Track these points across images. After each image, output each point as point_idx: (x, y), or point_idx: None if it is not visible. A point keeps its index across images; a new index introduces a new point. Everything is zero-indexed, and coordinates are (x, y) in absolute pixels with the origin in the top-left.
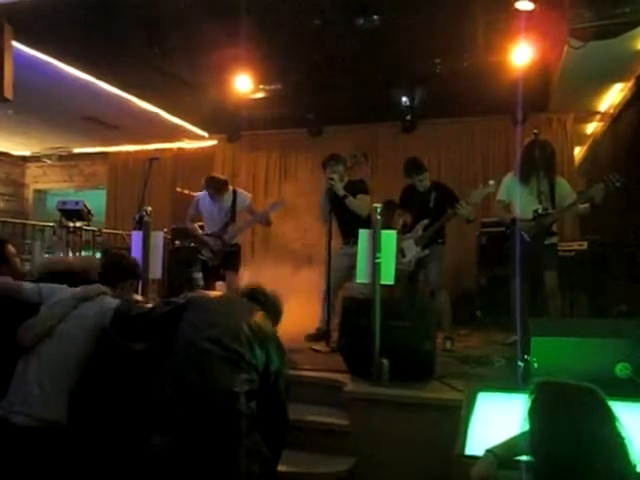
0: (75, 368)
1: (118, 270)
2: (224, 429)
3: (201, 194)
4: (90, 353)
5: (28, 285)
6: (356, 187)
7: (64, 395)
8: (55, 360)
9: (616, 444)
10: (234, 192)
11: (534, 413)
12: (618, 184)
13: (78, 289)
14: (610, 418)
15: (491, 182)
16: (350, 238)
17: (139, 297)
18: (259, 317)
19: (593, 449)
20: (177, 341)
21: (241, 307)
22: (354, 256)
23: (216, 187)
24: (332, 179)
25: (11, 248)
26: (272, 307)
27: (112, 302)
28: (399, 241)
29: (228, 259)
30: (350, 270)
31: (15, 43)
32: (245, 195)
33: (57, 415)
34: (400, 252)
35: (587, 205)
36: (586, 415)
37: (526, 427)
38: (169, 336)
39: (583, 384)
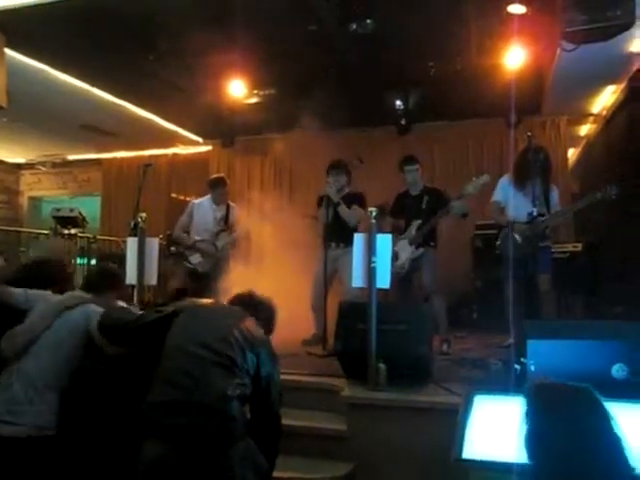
0: (62, 375)
1: (102, 280)
2: (217, 434)
3: (197, 201)
4: (76, 359)
5: (17, 290)
6: (353, 199)
7: (52, 403)
8: (42, 368)
9: (614, 445)
10: (228, 205)
11: (530, 416)
12: (614, 196)
13: (62, 297)
14: (607, 419)
15: (485, 176)
16: (332, 241)
17: (123, 304)
18: (249, 323)
19: (592, 450)
20: (168, 347)
21: (231, 313)
22: (336, 260)
23: (219, 183)
24: (328, 183)
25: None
26: (264, 313)
27: (96, 309)
28: (393, 244)
29: (218, 265)
30: (334, 273)
31: (8, 51)
32: (236, 208)
33: (46, 422)
34: (393, 254)
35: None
36: (583, 416)
37: (523, 430)
38: (158, 342)
39: (579, 385)
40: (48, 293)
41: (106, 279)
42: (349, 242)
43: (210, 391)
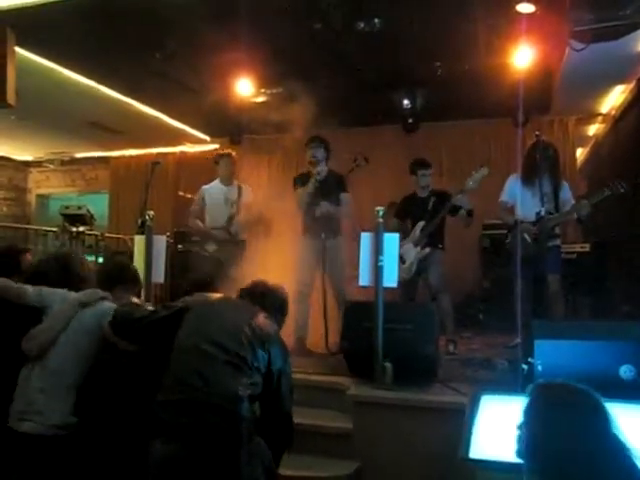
0: (80, 374)
1: (115, 274)
2: (227, 434)
3: (207, 186)
4: (92, 358)
5: (30, 288)
6: (338, 182)
7: (70, 402)
8: (60, 368)
9: (618, 447)
10: (239, 186)
11: (530, 415)
12: (622, 190)
13: (78, 295)
14: (608, 421)
15: (484, 168)
16: (323, 232)
17: (137, 300)
18: (261, 318)
19: (594, 452)
20: (179, 345)
21: (242, 309)
22: (321, 251)
23: (225, 155)
24: (317, 174)
25: (28, 257)
26: (274, 302)
27: (111, 306)
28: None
29: (235, 252)
30: (320, 265)
31: (18, 49)
32: (250, 190)
33: (63, 422)
34: (399, 258)
35: (574, 216)
36: (584, 417)
37: (523, 429)
38: (169, 339)
39: (579, 386)
40: (63, 291)
41: (118, 272)
42: (337, 233)
43: (221, 391)
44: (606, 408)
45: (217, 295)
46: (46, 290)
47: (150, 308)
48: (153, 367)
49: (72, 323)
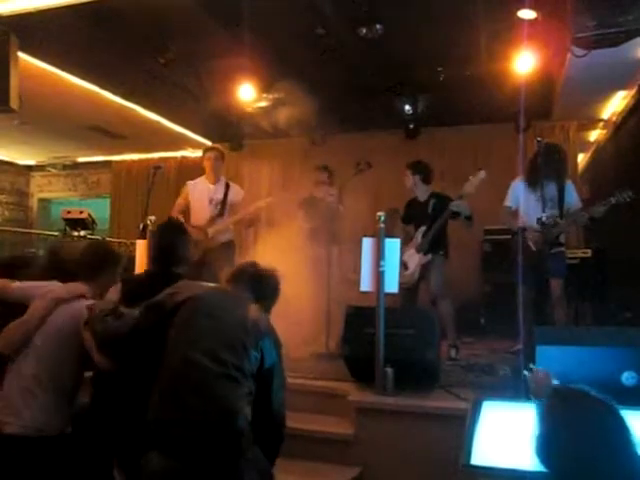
0: (60, 377)
1: (98, 259)
2: (225, 449)
3: (193, 182)
4: (74, 361)
5: (14, 285)
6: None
7: (50, 404)
8: (36, 368)
9: (634, 457)
10: (227, 185)
11: (547, 422)
12: (628, 199)
13: (57, 291)
14: (629, 436)
15: (481, 172)
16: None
17: (115, 297)
18: (253, 312)
19: (611, 463)
20: (171, 354)
21: (233, 304)
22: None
23: (211, 148)
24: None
25: None
26: (266, 289)
27: (84, 309)
28: (401, 253)
29: (208, 254)
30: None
31: (21, 54)
32: (238, 190)
33: (43, 424)
34: (402, 265)
35: (587, 217)
36: (600, 427)
37: (537, 432)
38: (158, 346)
39: (604, 398)
40: (47, 283)
41: (99, 260)
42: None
43: (218, 407)
44: (624, 417)
45: (206, 285)
46: (28, 284)
47: (134, 313)
48: (145, 377)
49: (49, 322)
